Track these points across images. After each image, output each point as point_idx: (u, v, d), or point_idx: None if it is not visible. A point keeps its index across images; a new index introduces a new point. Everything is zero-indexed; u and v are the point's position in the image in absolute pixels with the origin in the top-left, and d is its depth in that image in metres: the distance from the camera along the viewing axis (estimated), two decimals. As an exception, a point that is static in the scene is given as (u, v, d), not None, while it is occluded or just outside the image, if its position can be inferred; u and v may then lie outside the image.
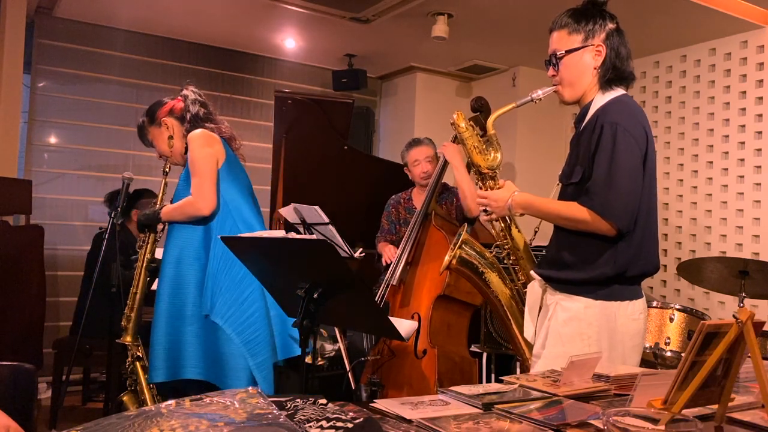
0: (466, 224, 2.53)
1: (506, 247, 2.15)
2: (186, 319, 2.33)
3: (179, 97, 2.63)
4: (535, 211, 1.99)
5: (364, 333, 3.51)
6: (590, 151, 1.88)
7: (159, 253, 2.63)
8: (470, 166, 2.15)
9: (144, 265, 2.60)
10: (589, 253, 1.90)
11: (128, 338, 2.59)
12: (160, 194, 2.64)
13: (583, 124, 1.98)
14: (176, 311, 2.34)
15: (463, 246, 2.27)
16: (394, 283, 3.29)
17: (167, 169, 2.67)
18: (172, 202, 2.55)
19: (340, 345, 3.29)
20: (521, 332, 2.15)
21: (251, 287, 2.30)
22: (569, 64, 1.98)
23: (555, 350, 1.92)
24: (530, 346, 2.11)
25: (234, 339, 2.27)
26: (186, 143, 2.51)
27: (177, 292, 2.36)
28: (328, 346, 3.66)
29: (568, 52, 1.97)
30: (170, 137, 2.59)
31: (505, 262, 2.22)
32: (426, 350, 3.06)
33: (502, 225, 2.12)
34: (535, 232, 2.21)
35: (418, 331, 3.09)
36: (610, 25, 1.97)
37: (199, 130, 2.49)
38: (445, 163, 3.48)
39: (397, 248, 3.51)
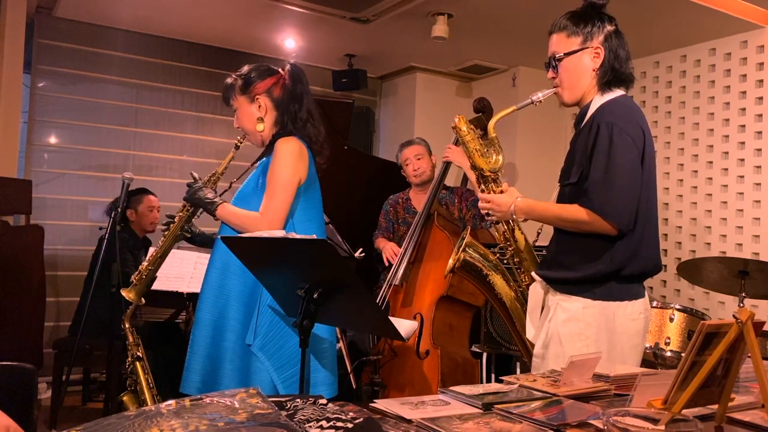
0: (468, 227, 2.52)
1: (509, 248, 2.15)
2: (225, 333, 2.17)
3: (281, 72, 2.31)
4: (537, 216, 2.01)
5: (364, 333, 3.51)
6: (587, 151, 1.90)
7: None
8: (472, 168, 2.15)
9: (177, 233, 2.37)
10: (587, 251, 1.91)
11: (132, 294, 2.37)
12: (221, 168, 2.35)
13: (582, 125, 1.99)
14: (218, 322, 2.18)
15: (467, 249, 2.27)
16: (397, 283, 3.29)
17: (240, 144, 2.35)
18: (236, 201, 2.29)
19: (341, 345, 3.29)
20: (525, 333, 2.15)
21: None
22: (568, 66, 1.99)
23: (554, 350, 1.94)
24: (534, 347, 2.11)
25: (273, 375, 2.10)
26: (273, 135, 2.28)
27: (218, 301, 2.19)
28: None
29: (567, 54, 1.99)
30: (260, 119, 2.28)
31: (508, 263, 2.23)
32: (429, 351, 3.06)
33: (505, 227, 2.12)
34: (538, 233, 2.21)
35: (420, 331, 3.09)
36: (609, 27, 1.98)
37: (292, 141, 2.21)
38: (446, 165, 3.48)
39: (397, 245, 3.52)
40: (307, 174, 2.24)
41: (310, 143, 2.28)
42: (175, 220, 2.36)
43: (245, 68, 2.34)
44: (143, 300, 2.43)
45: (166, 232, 2.37)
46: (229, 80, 2.34)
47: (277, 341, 2.12)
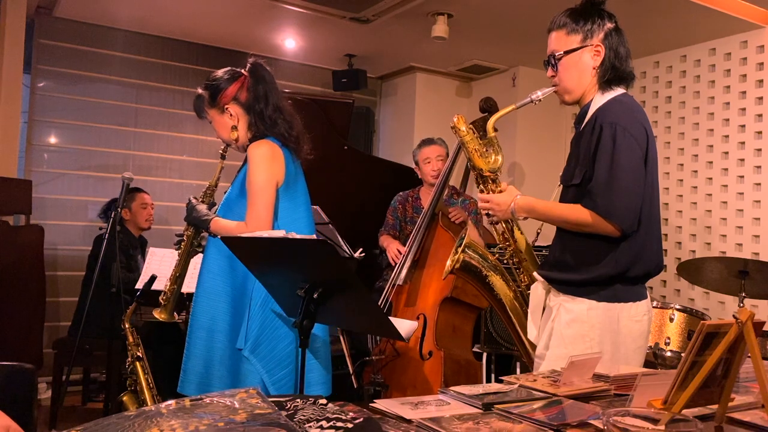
0: (467, 227, 2.52)
1: (509, 249, 2.15)
2: (216, 335, 2.20)
3: (244, 73, 2.30)
4: (538, 214, 1.99)
5: (364, 333, 3.50)
6: (590, 151, 1.88)
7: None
8: (472, 168, 2.15)
9: (189, 250, 2.39)
10: (591, 253, 1.90)
11: (164, 314, 2.38)
12: (214, 180, 2.37)
13: (583, 124, 1.98)
14: (210, 324, 2.21)
15: (466, 249, 2.26)
16: (400, 283, 3.28)
17: (224, 153, 2.38)
18: (222, 208, 2.31)
19: (343, 345, 3.28)
20: (525, 334, 2.15)
21: (286, 326, 2.15)
22: (568, 64, 1.98)
23: (558, 351, 1.92)
24: (534, 348, 2.10)
25: (264, 377, 2.13)
26: (250, 138, 2.28)
27: (209, 304, 2.23)
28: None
29: (567, 52, 1.97)
30: (234, 127, 2.28)
31: (507, 263, 2.22)
32: (432, 352, 3.04)
33: (504, 227, 2.12)
34: (538, 233, 2.21)
35: (423, 332, 3.08)
36: (609, 25, 1.96)
37: (263, 145, 2.20)
38: (453, 164, 3.49)
39: (402, 244, 3.51)
40: (285, 174, 2.23)
41: (284, 141, 2.25)
42: (184, 238, 2.38)
43: (209, 78, 2.32)
44: (176, 316, 2.45)
45: (179, 251, 2.39)
46: (198, 92, 2.34)
47: (268, 344, 2.14)
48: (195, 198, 2.33)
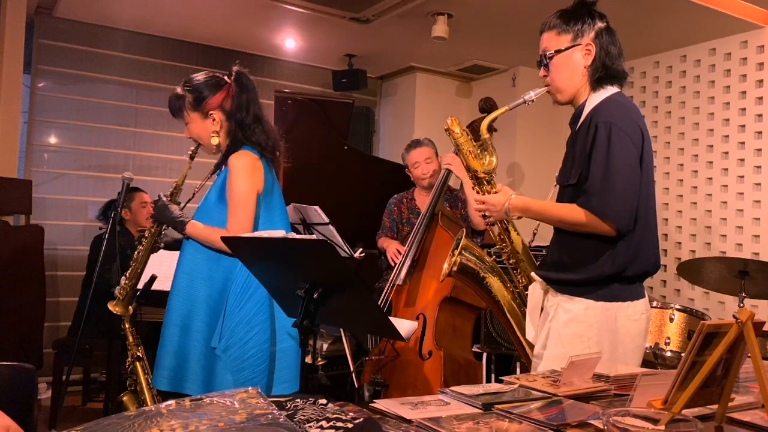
0: (464, 229, 2.51)
1: (505, 249, 2.15)
2: (192, 333, 2.23)
3: (228, 81, 2.33)
4: (533, 214, 2.00)
5: (364, 333, 3.50)
6: (586, 151, 1.88)
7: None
8: (467, 170, 2.15)
9: (149, 247, 2.44)
10: (589, 253, 1.90)
11: (119, 308, 2.44)
12: (181, 179, 2.41)
13: (578, 124, 1.99)
14: (185, 323, 2.24)
15: (463, 252, 2.26)
16: (400, 283, 3.28)
17: (194, 154, 2.42)
18: (199, 212, 2.33)
19: (345, 345, 3.28)
20: (523, 334, 2.15)
21: (259, 326, 2.19)
22: (559, 64, 1.99)
23: (555, 351, 1.92)
24: (533, 349, 2.11)
25: (234, 375, 2.18)
26: (227, 146, 2.32)
27: (185, 304, 2.25)
28: (326, 345, 3.67)
29: (557, 52, 1.98)
30: (216, 132, 2.32)
31: (504, 263, 2.22)
32: (431, 352, 3.04)
33: (500, 228, 2.12)
34: (534, 233, 2.21)
35: (423, 331, 3.08)
36: (600, 24, 1.97)
37: (244, 156, 2.25)
38: (449, 171, 3.48)
39: (401, 244, 3.51)
40: (264, 183, 2.28)
41: (261, 150, 2.30)
42: (146, 235, 2.43)
43: (193, 82, 2.34)
44: (131, 309, 2.50)
45: (140, 246, 2.44)
46: (178, 92, 2.34)
47: (241, 344, 2.18)
48: (165, 196, 2.37)
